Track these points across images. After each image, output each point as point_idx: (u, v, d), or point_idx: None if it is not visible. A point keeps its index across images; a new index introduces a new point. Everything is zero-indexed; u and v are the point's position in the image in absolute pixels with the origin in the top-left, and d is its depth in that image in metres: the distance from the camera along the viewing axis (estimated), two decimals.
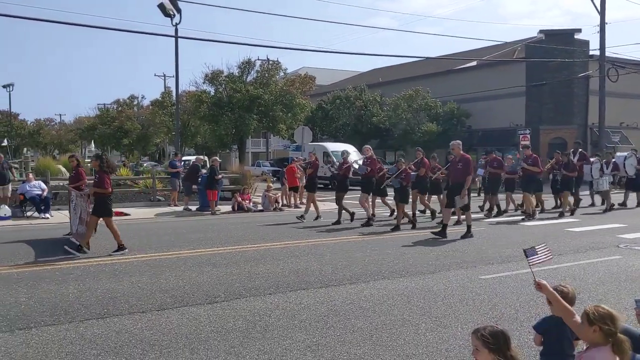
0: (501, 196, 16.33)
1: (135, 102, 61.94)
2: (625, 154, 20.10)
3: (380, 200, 15.21)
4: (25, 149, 65.36)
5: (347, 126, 41.12)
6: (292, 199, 19.26)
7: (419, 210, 15.21)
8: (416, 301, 6.63)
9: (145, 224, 14.67)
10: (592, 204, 18.35)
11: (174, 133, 37.07)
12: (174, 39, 26.03)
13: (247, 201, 18.06)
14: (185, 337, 5.36)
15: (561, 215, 15.43)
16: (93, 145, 56.16)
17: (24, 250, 10.12)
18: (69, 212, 12.52)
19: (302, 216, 14.96)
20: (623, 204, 18.07)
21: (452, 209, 12.35)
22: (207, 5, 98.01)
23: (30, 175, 16.68)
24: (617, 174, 19.12)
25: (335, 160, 25.33)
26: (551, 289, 3.37)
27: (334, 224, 13.91)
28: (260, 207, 18.15)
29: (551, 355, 3.61)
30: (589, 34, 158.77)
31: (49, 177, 18.26)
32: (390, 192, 14.18)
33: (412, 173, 14.06)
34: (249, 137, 41.93)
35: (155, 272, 8.27)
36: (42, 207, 15.46)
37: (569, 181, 15.97)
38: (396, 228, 12.92)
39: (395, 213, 13.72)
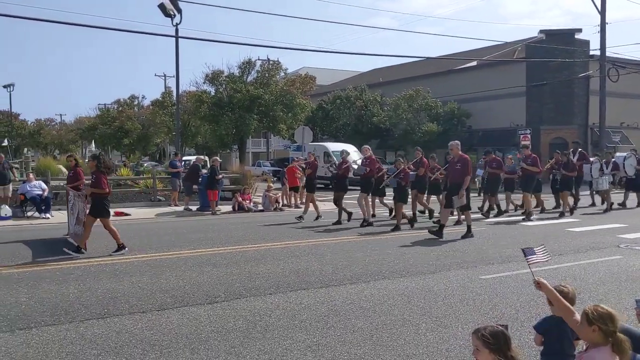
0: (501, 196, 16.35)
1: (136, 102, 61.95)
2: (625, 154, 20.11)
3: (378, 200, 15.23)
4: (25, 149, 65.26)
5: (348, 126, 41.13)
6: (293, 199, 19.27)
7: (418, 211, 15.22)
8: (417, 301, 6.63)
9: (146, 224, 14.67)
10: (593, 204, 18.35)
11: (174, 133, 37.08)
12: (174, 39, 26.02)
13: (247, 201, 18.06)
14: (185, 337, 5.36)
15: (561, 215, 15.43)
16: (94, 145, 56.15)
17: (25, 250, 10.13)
18: (67, 212, 12.51)
19: (300, 217, 14.97)
20: (623, 205, 18.06)
21: (451, 210, 12.36)
22: (207, 5, 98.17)
23: (31, 176, 16.68)
24: (617, 173, 19.12)
25: (336, 160, 25.33)
26: (551, 287, 3.37)
27: (334, 224, 13.91)
28: (260, 207, 18.15)
29: (552, 355, 3.61)
30: (590, 34, 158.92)
31: (50, 177, 18.25)
32: (390, 192, 14.18)
33: (411, 173, 14.07)
34: (249, 137, 41.93)
35: (156, 272, 8.27)
36: (43, 207, 15.47)
37: (569, 181, 15.97)
38: (396, 228, 12.91)
39: (394, 213, 13.73)
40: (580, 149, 18.46)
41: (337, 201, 14.31)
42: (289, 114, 35.84)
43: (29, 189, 15.55)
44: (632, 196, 18.55)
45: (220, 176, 17.96)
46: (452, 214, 12.86)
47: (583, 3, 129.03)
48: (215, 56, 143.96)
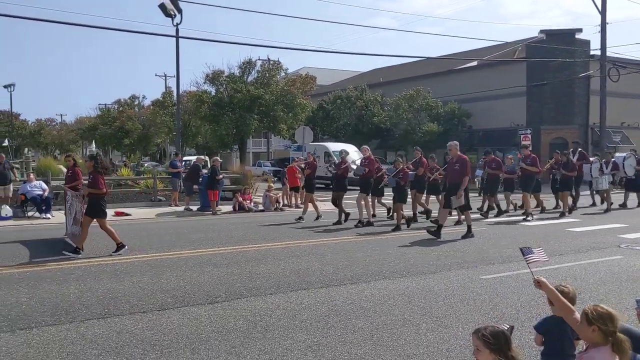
0: (500, 196, 16.35)
1: (136, 102, 61.95)
2: (624, 154, 20.10)
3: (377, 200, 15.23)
4: (26, 149, 65.21)
5: (348, 126, 41.12)
6: (293, 199, 19.27)
7: (419, 212, 15.20)
8: (417, 301, 6.63)
9: (146, 224, 14.68)
10: (593, 204, 18.35)
11: (174, 133, 37.08)
12: (174, 39, 26.07)
13: (248, 201, 18.07)
14: (186, 337, 5.37)
15: (562, 215, 15.43)
16: (94, 146, 56.13)
17: (25, 250, 10.13)
18: (65, 212, 12.51)
19: (300, 217, 14.98)
20: (623, 205, 18.05)
21: (449, 210, 12.36)
22: (208, 5, 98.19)
23: (32, 176, 16.69)
24: (617, 173, 19.13)
25: (336, 160, 25.30)
26: (550, 286, 3.37)
27: (334, 224, 13.92)
28: (261, 207, 18.16)
29: (552, 355, 3.61)
30: (590, 34, 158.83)
31: (50, 177, 18.27)
32: (389, 192, 14.17)
33: (410, 172, 14.07)
34: (249, 137, 41.92)
35: (156, 272, 8.27)
36: (43, 207, 15.48)
37: (569, 181, 15.98)
38: (396, 228, 12.92)
39: (393, 212, 13.73)
40: (580, 149, 18.46)
41: (336, 201, 14.31)
42: (289, 114, 35.82)
43: (29, 189, 15.56)
44: (632, 196, 18.55)
45: (221, 176, 17.96)
46: (450, 214, 12.87)
47: (583, 3, 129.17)
48: (216, 56, 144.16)
